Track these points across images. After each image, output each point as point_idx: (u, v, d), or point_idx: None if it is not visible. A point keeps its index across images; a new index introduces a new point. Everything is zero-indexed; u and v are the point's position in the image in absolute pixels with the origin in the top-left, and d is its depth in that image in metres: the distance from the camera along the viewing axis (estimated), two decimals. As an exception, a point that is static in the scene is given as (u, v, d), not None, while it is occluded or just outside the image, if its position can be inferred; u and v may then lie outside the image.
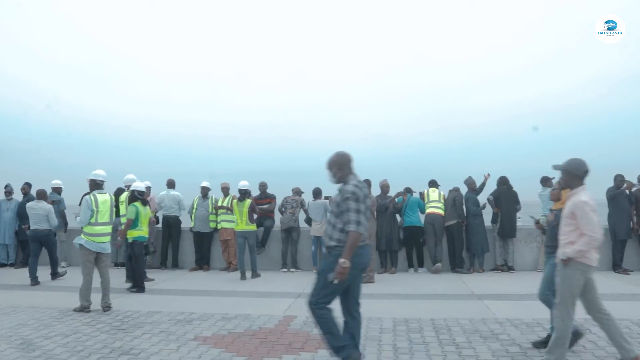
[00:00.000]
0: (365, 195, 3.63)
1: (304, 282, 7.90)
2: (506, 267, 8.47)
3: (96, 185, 6.15)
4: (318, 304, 3.66)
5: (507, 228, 8.43)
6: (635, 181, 8.37)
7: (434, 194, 8.71)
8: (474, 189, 8.67)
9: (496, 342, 4.54)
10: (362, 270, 3.78)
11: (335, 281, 3.50)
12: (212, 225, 9.17)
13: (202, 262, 9.13)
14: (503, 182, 8.68)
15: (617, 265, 8.23)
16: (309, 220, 8.92)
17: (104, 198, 6.10)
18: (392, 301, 6.42)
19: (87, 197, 6.05)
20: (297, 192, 9.23)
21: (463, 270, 8.45)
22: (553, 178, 8.66)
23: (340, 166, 3.67)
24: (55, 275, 8.18)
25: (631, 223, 8.35)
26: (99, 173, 6.19)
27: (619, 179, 8.32)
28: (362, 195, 3.58)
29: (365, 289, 7.19)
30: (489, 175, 8.73)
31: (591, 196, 3.80)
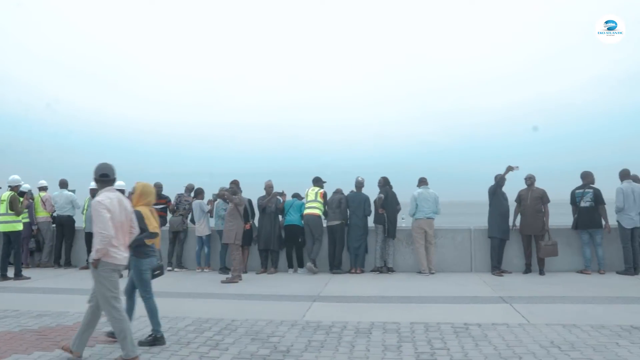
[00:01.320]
0: None
1: (173, 281, 7.92)
2: (385, 268, 8.36)
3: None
4: None
5: (392, 229, 8.33)
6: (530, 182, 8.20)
7: (311, 193, 8.63)
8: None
9: (254, 341, 4.55)
10: None
11: None
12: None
13: (94, 260, 9.23)
14: (386, 182, 8.58)
15: (494, 266, 8.07)
16: (193, 220, 8.97)
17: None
18: (221, 301, 6.46)
19: None
20: (190, 189, 9.27)
21: (341, 270, 8.39)
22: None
23: None
24: None
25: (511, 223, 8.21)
26: None
27: (499, 177, 8.17)
28: None
29: (223, 289, 7.27)
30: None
31: (109, 196, 4.00)
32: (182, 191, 9.43)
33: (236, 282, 7.65)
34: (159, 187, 9.50)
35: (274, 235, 8.48)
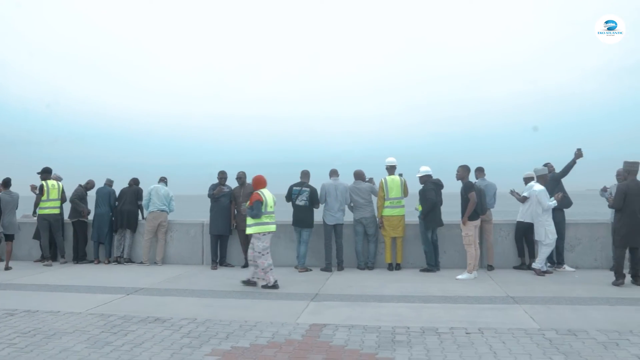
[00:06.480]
0: None
1: None
2: (123, 258, 8.85)
3: None
4: None
5: (127, 221, 8.81)
6: None
7: (53, 190, 9.02)
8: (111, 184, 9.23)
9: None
10: None
11: None
12: None
13: None
14: (135, 182, 9.22)
15: (213, 260, 8.37)
16: None
17: None
18: None
19: None
20: None
21: (86, 261, 8.98)
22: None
23: None
24: None
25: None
26: None
27: (220, 176, 8.51)
28: None
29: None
30: None
31: None
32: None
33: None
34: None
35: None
